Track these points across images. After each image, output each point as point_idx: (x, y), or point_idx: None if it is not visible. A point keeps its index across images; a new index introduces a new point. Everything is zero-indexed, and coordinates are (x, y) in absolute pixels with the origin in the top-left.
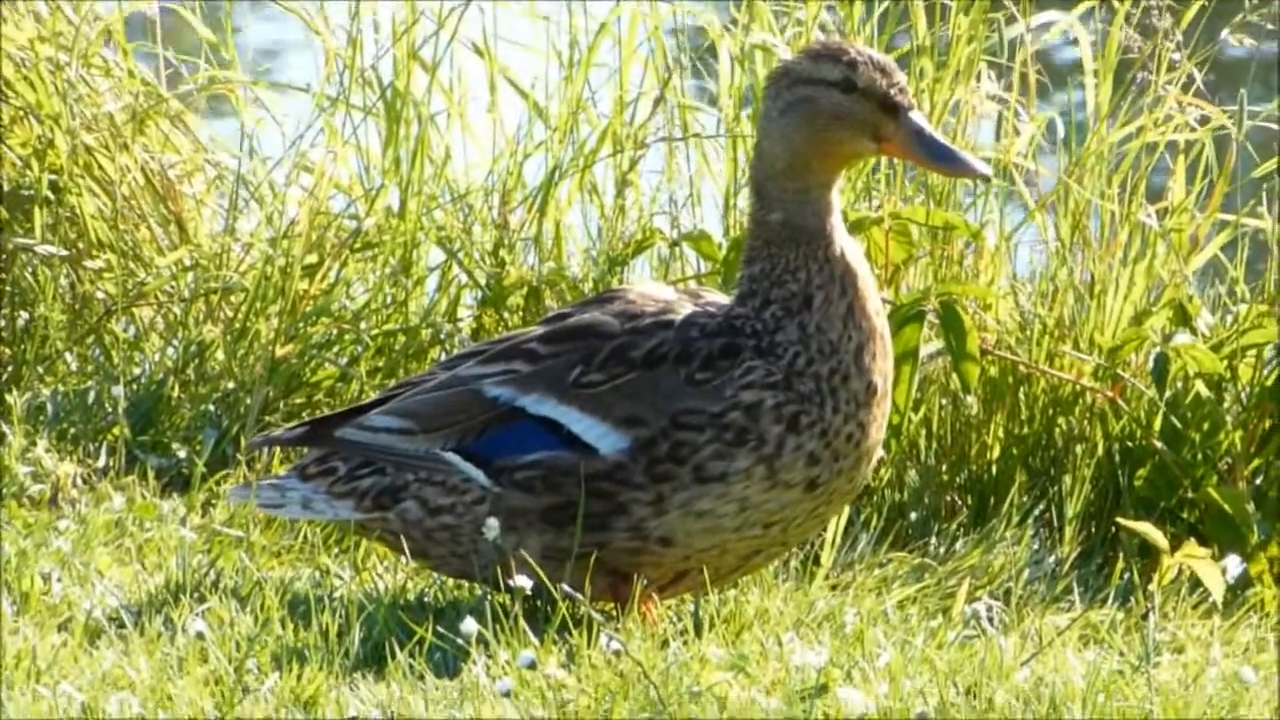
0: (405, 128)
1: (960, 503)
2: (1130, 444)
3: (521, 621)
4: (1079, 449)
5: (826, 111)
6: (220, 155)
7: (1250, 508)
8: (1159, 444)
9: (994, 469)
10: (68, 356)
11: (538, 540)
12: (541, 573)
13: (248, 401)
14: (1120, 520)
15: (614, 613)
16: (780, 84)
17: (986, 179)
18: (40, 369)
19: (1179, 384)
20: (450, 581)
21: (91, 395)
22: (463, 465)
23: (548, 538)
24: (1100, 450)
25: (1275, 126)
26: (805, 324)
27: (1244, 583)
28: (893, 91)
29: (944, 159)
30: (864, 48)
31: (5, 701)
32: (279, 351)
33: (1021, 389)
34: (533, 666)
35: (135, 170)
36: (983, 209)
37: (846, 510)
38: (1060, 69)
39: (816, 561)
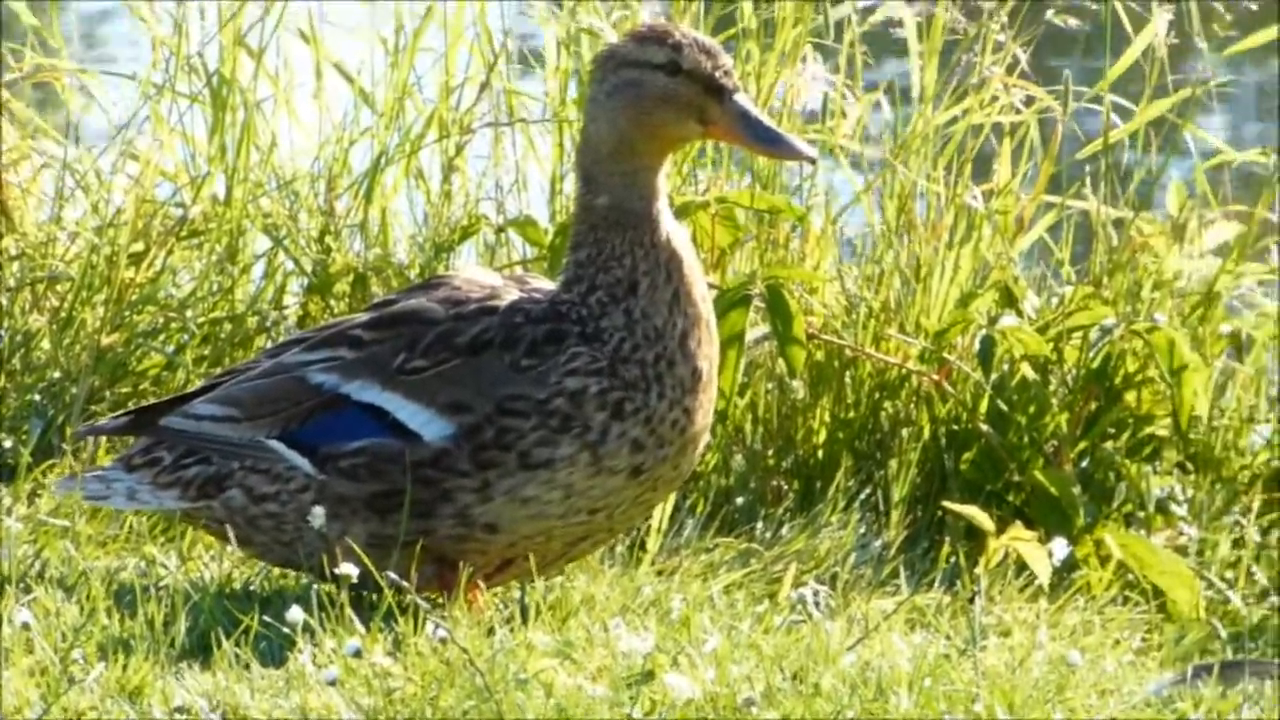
0: (231, 115)
1: (786, 487)
2: (956, 427)
3: (348, 610)
4: (905, 432)
5: (652, 94)
6: (46, 143)
7: (1076, 490)
8: (985, 427)
9: (820, 453)
10: None
11: (363, 528)
12: (367, 560)
13: (73, 391)
14: (946, 503)
15: (440, 600)
16: (606, 67)
17: (812, 161)
18: None
19: (1005, 366)
20: (276, 570)
21: None
22: (287, 453)
23: (373, 525)
24: (926, 433)
25: (1099, 108)
26: (631, 310)
27: (1070, 565)
28: (718, 74)
29: (769, 141)
30: (689, 30)
31: None
32: (105, 340)
33: (847, 373)
34: (359, 655)
35: None
36: (808, 192)
37: (673, 496)
38: (887, 51)
39: (643, 547)
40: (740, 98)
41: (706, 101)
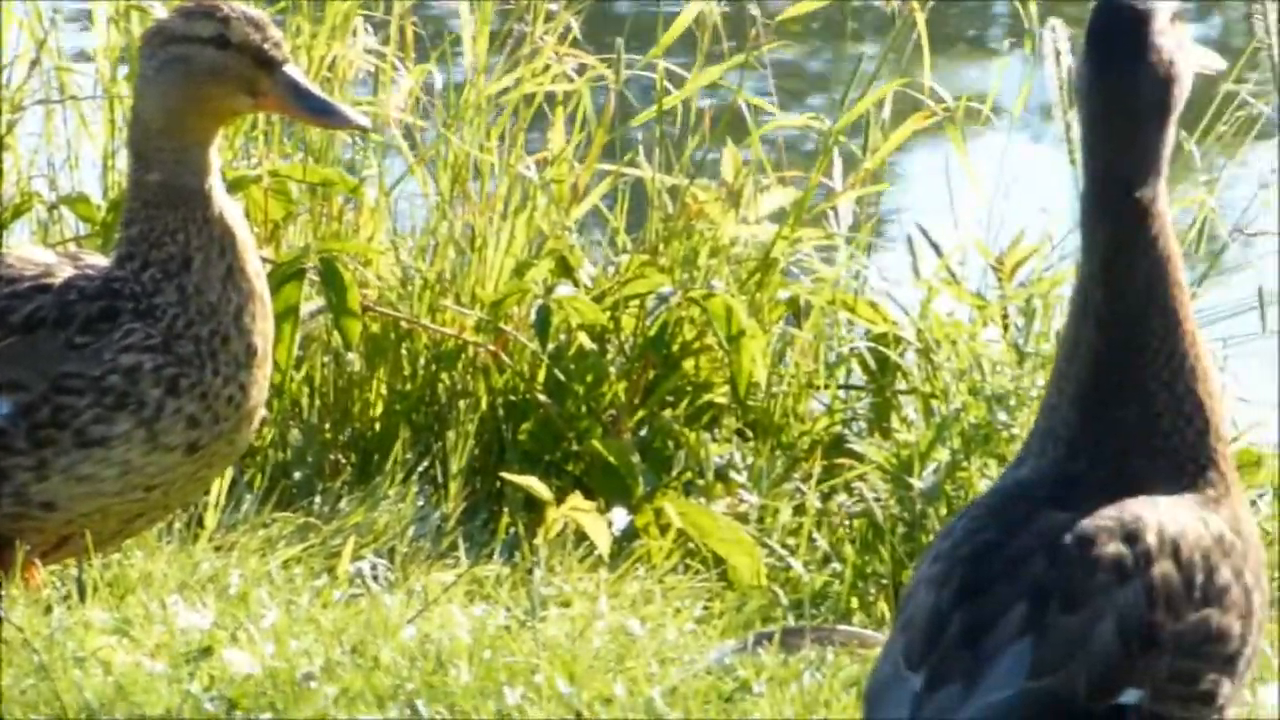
0: None
1: (344, 461)
2: (514, 398)
3: None
4: (463, 404)
5: (202, 68)
6: None
7: (635, 459)
8: (543, 397)
9: (377, 426)
10: None
11: None
12: None
13: None
14: (505, 474)
15: None
16: (154, 43)
17: (365, 130)
18: None
19: (562, 336)
20: None
21: None
22: None
23: None
24: (484, 404)
25: (653, 75)
26: (184, 286)
27: (630, 535)
28: (267, 46)
29: (321, 112)
30: (238, 4)
31: None
32: None
33: (404, 345)
34: None
35: None
36: (362, 165)
37: (230, 471)
38: (440, 22)
39: (200, 523)
40: (290, 69)
41: (257, 74)
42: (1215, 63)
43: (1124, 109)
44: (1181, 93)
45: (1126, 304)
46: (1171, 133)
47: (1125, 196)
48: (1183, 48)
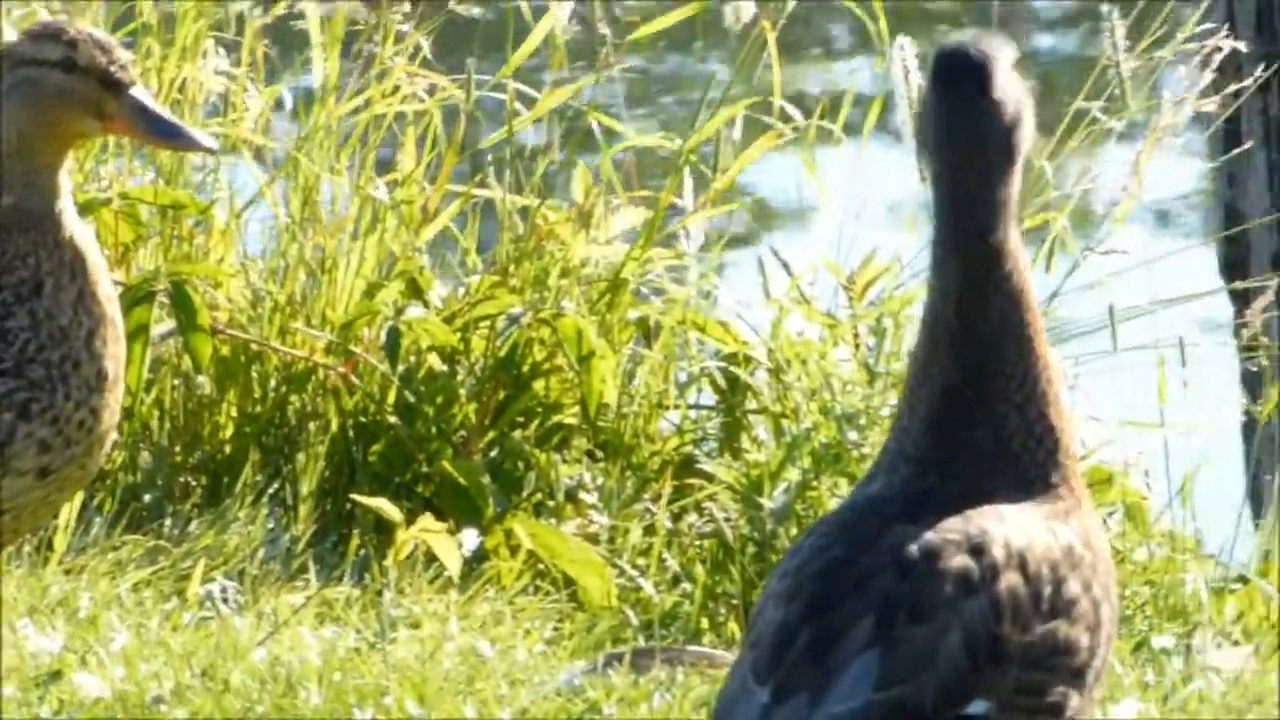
0: None
1: (194, 483)
2: (364, 419)
3: None
4: (313, 426)
5: (49, 92)
6: None
7: (485, 480)
8: (393, 418)
9: (228, 448)
10: None
11: None
12: None
13: None
14: (355, 496)
15: None
16: (2, 67)
17: (211, 151)
18: None
19: (412, 358)
20: None
21: None
22: None
23: None
24: (335, 426)
25: (503, 96)
26: (35, 311)
27: (480, 556)
28: (114, 69)
29: (168, 134)
30: (85, 27)
31: None
32: None
33: (254, 367)
34: None
35: None
36: (212, 187)
37: (80, 495)
38: (290, 43)
39: (50, 546)
40: (138, 92)
41: (104, 97)
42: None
43: (973, 155)
44: (1026, 136)
45: (979, 334)
46: (1019, 175)
47: (977, 241)
48: (1023, 94)
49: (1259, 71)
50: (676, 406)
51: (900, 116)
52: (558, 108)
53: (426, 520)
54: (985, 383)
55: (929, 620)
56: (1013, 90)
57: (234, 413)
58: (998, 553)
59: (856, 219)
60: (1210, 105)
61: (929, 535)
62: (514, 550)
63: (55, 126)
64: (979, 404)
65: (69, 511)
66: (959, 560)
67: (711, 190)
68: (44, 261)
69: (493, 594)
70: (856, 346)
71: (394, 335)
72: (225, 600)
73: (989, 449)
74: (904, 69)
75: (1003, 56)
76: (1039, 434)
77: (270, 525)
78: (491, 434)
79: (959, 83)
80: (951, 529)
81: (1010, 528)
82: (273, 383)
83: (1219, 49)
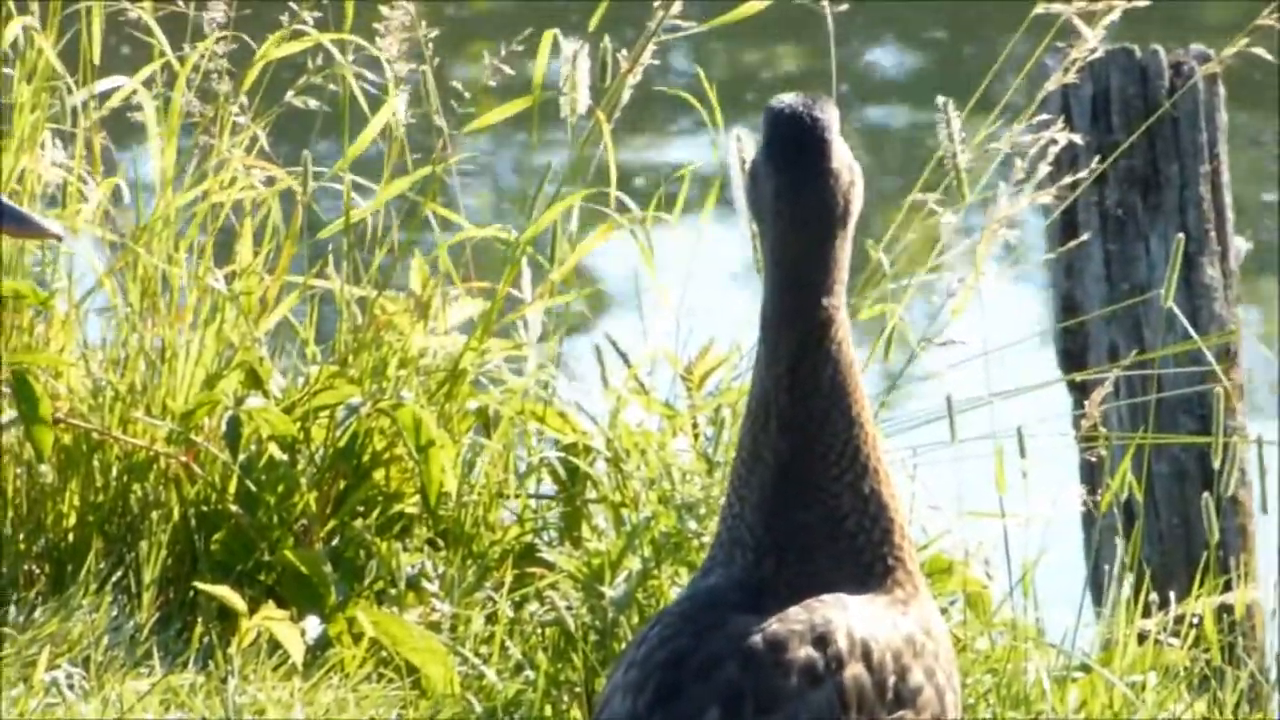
0: None
1: (38, 571)
2: (206, 508)
3: None
4: (155, 514)
5: None
6: None
7: (327, 569)
8: (235, 507)
9: (71, 536)
10: None
11: None
12: None
13: None
14: (198, 584)
15: None
16: None
17: (59, 238)
18: None
19: (253, 447)
20: None
21: None
22: None
23: None
24: (177, 514)
25: (340, 186)
26: None
27: (324, 643)
28: None
29: (15, 220)
30: None
31: None
32: None
33: (96, 456)
34: None
35: None
36: (52, 277)
37: None
38: (131, 133)
39: None
40: None
41: None
42: None
43: (810, 218)
44: (858, 200)
45: (809, 408)
46: (850, 240)
47: (812, 304)
48: (852, 159)
49: (1094, 163)
50: (517, 496)
51: (735, 189)
52: (396, 197)
53: (269, 608)
54: (816, 460)
55: (775, 711)
56: (845, 156)
57: (76, 501)
58: (842, 643)
59: (693, 292)
60: (1046, 197)
61: (773, 625)
62: (357, 638)
63: None
64: (810, 482)
65: None
66: (804, 651)
67: (549, 281)
68: None
69: (336, 681)
70: (695, 436)
71: (234, 425)
72: (71, 687)
73: (822, 529)
74: (740, 159)
75: (836, 118)
76: (873, 512)
77: (114, 613)
78: (333, 523)
79: (794, 148)
80: (794, 619)
81: (853, 617)
82: (115, 471)
83: (1055, 141)
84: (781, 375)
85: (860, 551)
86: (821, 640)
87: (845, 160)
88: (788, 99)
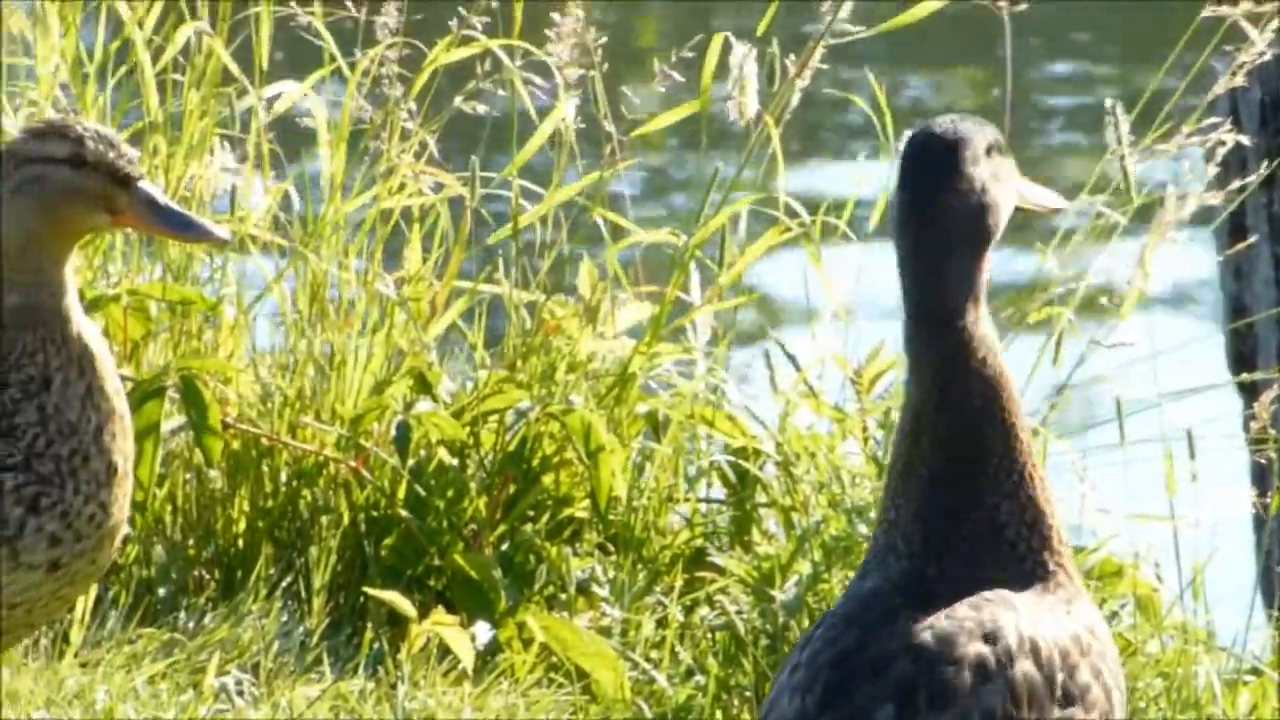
0: None
1: (208, 577)
2: (376, 513)
3: None
4: (325, 519)
5: (58, 189)
6: None
7: (497, 574)
8: (404, 512)
9: (240, 542)
10: None
11: None
12: None
13: None
14: (368, 590)
15: None
16: (7, 166)
17: (225, 242)
18: None
19: (422, 452)
20: None
21: None
22: None
23: None
24: (346, 520)
25: (509, 193)
26: (44, 406)
27: (493, 649)
28: (121, 163)
29: (181, 226)
30: (90, 123)
31: None
32: None
33: (265, 461)
34: None
35: None
36: (220, 283)
37: (94, 588)
38: (299, 139)
39: (66, 640)
40: (146, 185)
41: (113, 191)
42: (1053, 201)
43: (935, 239)
44: (997, 221)
45: (964, 423)
46: (987, 260)
47: (945, 327)
48: (999, 178)
49: (1263, 167)
50: (686, 500)
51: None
52: (564, 202)
53: (439, 614)
54: (971, 473)
55: (949, 707)
56: (982, 173)
57: (246, 507)
58: (1011, 639)
59: (862, 318)
60: (1215, 199)
61: (943, 622)
62: (527, 643)
63: (64, 223)
64: (967, 495)
65: (84, 605)
66: (974, 647)
67: (717, 285)
68: (52, 358)
69: (506, 687)
70: (865, 440)
71: (404, 430)
72: (240, 693)
73: (983, 540)
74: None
75: (977, 138)
76: (1030, 520)
77: (284, 618)
78: (502, 527)
79: (923, 164)
80: (963, 616)
81: (1020, 615)
82: (284, 477)
83: (1223, 143)
84: (930, 394)
85: (1021, 558)
86: (991, 637)
87: (979, 181)
88: (937, 121)
